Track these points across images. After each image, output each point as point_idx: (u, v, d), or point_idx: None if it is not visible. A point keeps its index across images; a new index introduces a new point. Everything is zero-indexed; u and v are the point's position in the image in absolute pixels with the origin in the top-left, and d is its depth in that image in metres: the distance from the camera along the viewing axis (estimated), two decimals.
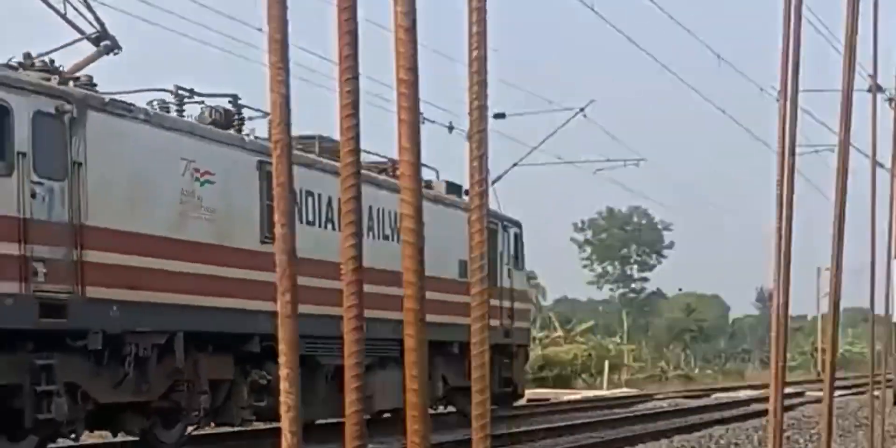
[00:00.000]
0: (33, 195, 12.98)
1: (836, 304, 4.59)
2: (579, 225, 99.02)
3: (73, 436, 14.28)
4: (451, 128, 33.71)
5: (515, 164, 36.40)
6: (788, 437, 20.38)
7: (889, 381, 17.24)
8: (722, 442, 19.72)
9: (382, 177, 20.25)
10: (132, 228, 14.34)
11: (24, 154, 12.93)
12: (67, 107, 13.54)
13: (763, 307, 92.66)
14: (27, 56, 14.35)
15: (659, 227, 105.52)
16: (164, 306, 14.75)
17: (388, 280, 13.29)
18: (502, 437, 20.84)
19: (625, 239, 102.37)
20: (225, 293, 15.92)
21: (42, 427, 13.30)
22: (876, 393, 9.83)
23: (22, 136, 12.97)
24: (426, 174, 21.08)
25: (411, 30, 2.22)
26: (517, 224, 26.15)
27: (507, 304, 24.89)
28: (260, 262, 15.27)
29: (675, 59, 30.69)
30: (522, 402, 28.27)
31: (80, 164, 13.55)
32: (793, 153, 4.37)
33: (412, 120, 2.35)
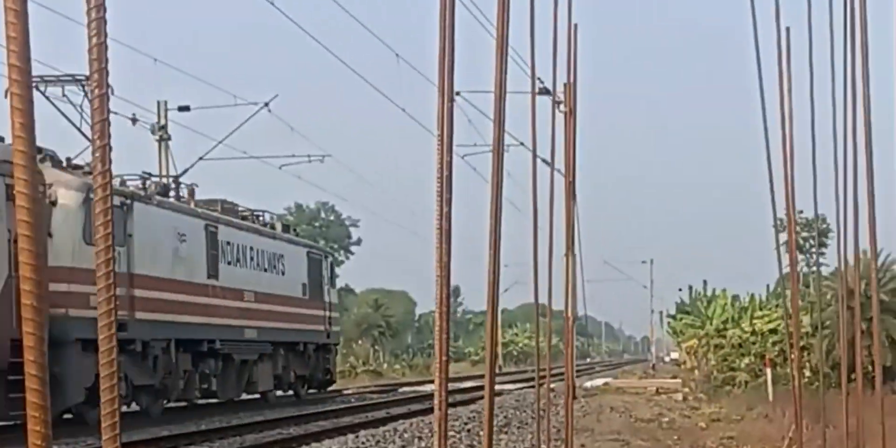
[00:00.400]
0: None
1: (493, 301, 4.67)
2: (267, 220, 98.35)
3: None
4: (134, 120, 33.02)
5: (201, 158, 35.84)
6: (469, 430, 20.86)
7: (558, 374, 17.90)
8: (406, 436, 19.99)
9: (250, 224, 28.94)
10: (154, 273, 23.01)
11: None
12: (127, 201, 22.26)
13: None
14: (68, 160, 22.32)
15: (346, 223, 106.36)
16: (166, 322, 23.40)
17: (249, 297, 26.54)
18: (192, 435, 20.56)
19: (313, 235, 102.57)
20: (189, 312, 24.85)
21: (84, 402, 20.99)
22: (551, 385, 10.14)
23: (85, 221, 20.41)
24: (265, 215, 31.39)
25: (22, 13, 2.06)
26: (331, 254, 36.17)
27: (328, 313, 33.61)
28: (206, 291, 25.35)
29: (358, 57, 31.00)
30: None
31: (131, 235, 22.36)
32: (450, 151, 4.42)
33: (27, 109, 2.20)
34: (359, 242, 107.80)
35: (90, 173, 20.80)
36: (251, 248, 27.85)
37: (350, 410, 28.73)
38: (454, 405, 27.45)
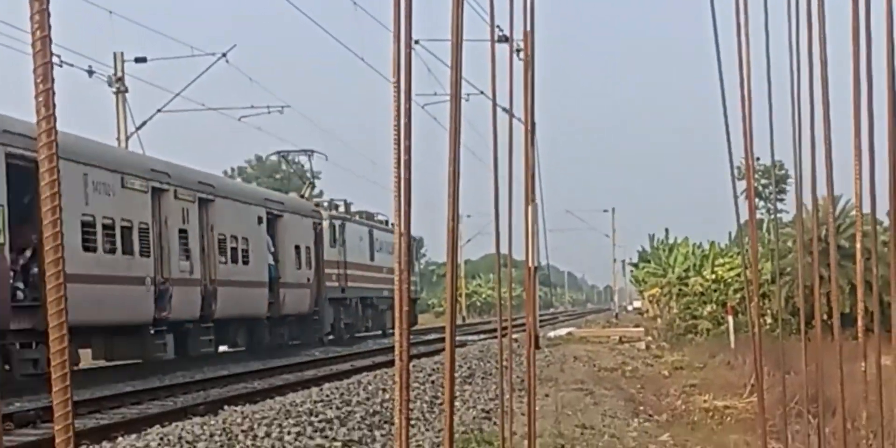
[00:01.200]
0: (339, 253, 40.07)
1: (453, 252, 4.63)
2: (229, 173, 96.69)
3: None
4: (90, 72, 32.66)
5: (159, 111, 35.56)
6: (433, 381, 20.90)
7: (522, 325, 17.94)
8: (370, 388, 20.01)
9: (381, 225, 46.52)
10: (354, 260, 41.74)
11: (336, 240, 40.13)
12: (342, 222, 40.83)
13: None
14: (302, 195, 40.28)
15: (308, 175, 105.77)
16: (357, 287, 42.19)
17: (385, 270, 45.01)
18: (156, 391, 20.53)
19: (275, 187, 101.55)
20: (364, 281, 43.00)
21: (331, 332, 40.10)
22: (514, 336, 10.14)
23: (332, 235, 39.92)
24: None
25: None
26: (420, 239, 54.71)
27: (416, 279, 51.49)
28: (369, 268, 44.08)
29: (314, 5, 30.78)
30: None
31: (344, 241, 40.90)
32: (409, 98, 4.35)
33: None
34: (320, 195, 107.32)
35: (317, 206, 42.68)
36: (383, 241, 45.50)
37: (314, 363, 28.80)
38: (418, 357, 27.51)
